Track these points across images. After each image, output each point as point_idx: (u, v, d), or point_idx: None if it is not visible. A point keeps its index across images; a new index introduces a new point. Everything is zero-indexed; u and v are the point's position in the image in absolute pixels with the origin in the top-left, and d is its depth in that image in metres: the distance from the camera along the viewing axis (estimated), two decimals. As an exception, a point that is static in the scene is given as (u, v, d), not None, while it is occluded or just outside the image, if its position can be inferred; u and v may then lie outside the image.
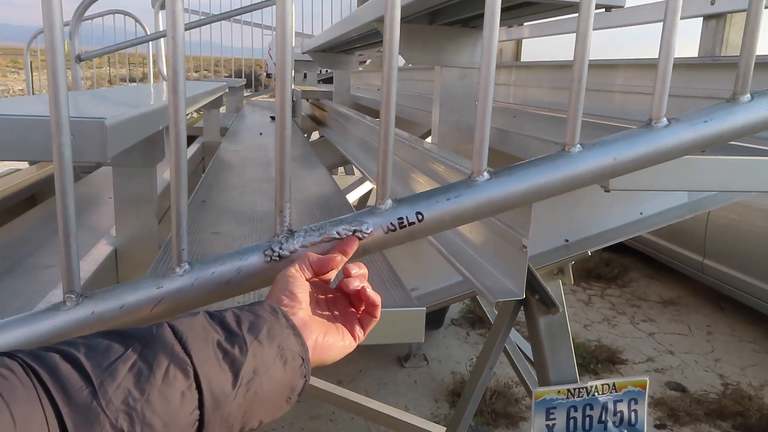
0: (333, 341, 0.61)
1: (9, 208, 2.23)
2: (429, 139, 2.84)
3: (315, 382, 2.43)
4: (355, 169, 4.37)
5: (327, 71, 6.32)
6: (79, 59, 3.44)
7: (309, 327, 0.59)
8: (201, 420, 0.48)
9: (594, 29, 0.83)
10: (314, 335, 0.59)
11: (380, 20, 1.35)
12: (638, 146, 0.82)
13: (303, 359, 0.56)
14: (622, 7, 0.93)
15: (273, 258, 0.70)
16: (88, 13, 3.52)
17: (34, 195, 2.45)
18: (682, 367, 3.70)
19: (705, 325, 4.31)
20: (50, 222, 2.03)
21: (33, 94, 6.38)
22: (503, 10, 0.80)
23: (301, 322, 0.59)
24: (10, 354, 0.45)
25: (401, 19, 0.76)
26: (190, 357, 0.48)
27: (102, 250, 1.19)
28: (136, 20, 5.18)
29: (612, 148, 0.81)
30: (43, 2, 0.61)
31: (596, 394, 1.56)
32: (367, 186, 3.37)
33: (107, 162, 0.78)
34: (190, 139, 3.05)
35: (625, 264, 5.39)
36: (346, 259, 0.68)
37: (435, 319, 3.90)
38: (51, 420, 0.41)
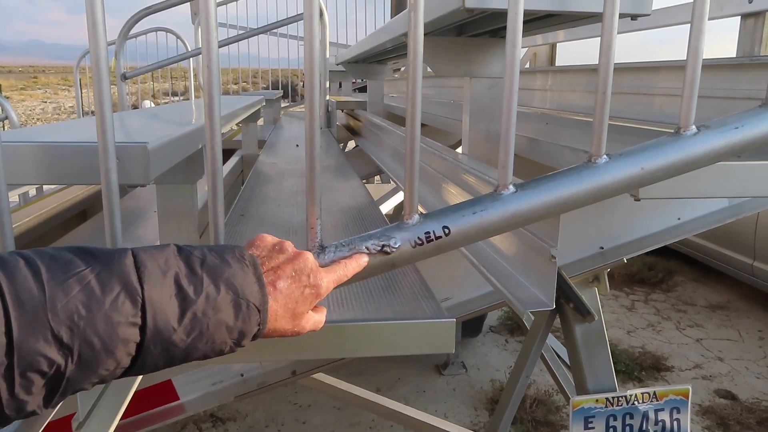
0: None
1: (62, 222, 2.34)
2: (460, 149, 2.84)
3: (354, 389, 2.46)
4: (389, 178, 4.39)
5: (362, 80, 6.38)
6: (124, 77, 3.59)
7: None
8: (141, 344, 0.51)
9: (622, 33, 0.83)
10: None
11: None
12: (666, 155, 0.82)
13: (260, 310, 0.57)
14: (648, 15, 0.93)
15: (305, 273, 0.73)
16: (131, 31, 3.67)
17: (85, 210, 2.57)
18: (732, 374, 3.58)
19: (756, 330, 4.17)
20: (100, 236, 2.13)
21: (83, 110, 6.66)
22: (526, 22, 0.81)
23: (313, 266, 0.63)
24: None
25: (429, 33, 0.78)
26: (142, 287, 0.51)
27: (147, 265, 1.25)
28: (178, 37, 5.36)
29: (639, 158, 0.81)
30: (91, 46, 0.66)
31: (636, 402, 1.54)
32: (402, 195, 3.39)
33: (149, 183, 0.82)
34: (230, 153, 3.14)
35: (670, 268, 5.25)
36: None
37: (473, 326, 3.88)
38: None
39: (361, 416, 3.06)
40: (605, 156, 0.81)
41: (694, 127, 0.83)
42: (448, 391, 3.39)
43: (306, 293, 0.62)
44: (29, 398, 0.46)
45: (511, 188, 0.79)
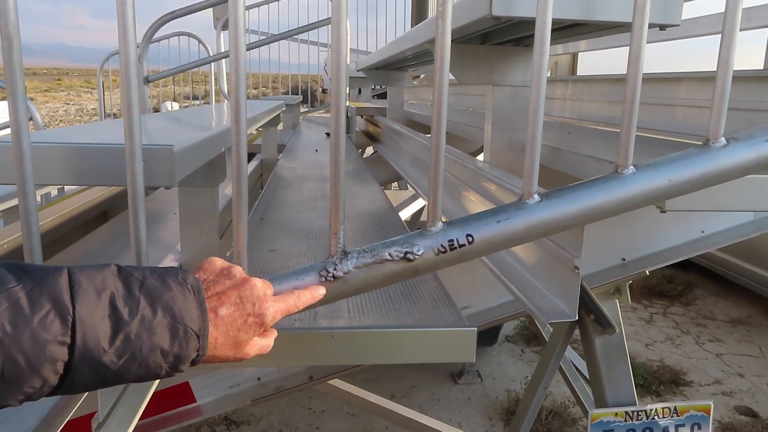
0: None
1: (83, 223, 2.37)
2: (481, 156, 2.82)
3: (369, 396, 2.45)
4: (408, 185, 4.41)
5: (381, 86, 6.40)
6: (146, 81, 3.63)
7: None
8: (69, 364, 0.50)
9: (650, 42, 0.82)
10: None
11: (433, 41, 1.38)
12: (694, 167, 0.80)
13: (199, 336, 0.56)
14: (677, 25, 0.92)
15: (327, 278, 0.73)
16: (155, 35, 3.71)
17: (106, 211, 2.60)
18: (753, 390, 3.51)
19: (778, 347, 4.09)
20: (120, 237, 2.15)
21: (105, 112, 6.76)
22: (554, 30, 0.81)
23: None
24: None
25: (453, 40, 0.78)
26: (73, 306, 0.50)
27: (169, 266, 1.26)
28: (200, 41, 5.42)
29: (666, 169, 0.80)
30: (121, 50, 0.67)
31: (656, 417, 1.51)
32: (420, 202, 3.39)
33: (175, 185, 0.83)
34: (249, 156, 3.16)
35: (690, 281, 5.17)
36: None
37: (489, 335, 3.85)
38: None
39: (375, 423, 3.04)
40: (632, 167, 0.80)
41: (723, 139, 0.82)
42: (463, 400, 3.37)
43: (249, 322, 0.61)
44: None
45: (536, 197, 0.78)
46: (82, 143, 0.80)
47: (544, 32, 0.74)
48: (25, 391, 0.49)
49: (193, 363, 0.58)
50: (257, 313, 0.61)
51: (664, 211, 0.92)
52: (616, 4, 0.92)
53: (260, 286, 0.63)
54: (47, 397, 0.52)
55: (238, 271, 0.64)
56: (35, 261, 0.76)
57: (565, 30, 1.10)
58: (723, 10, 0.79)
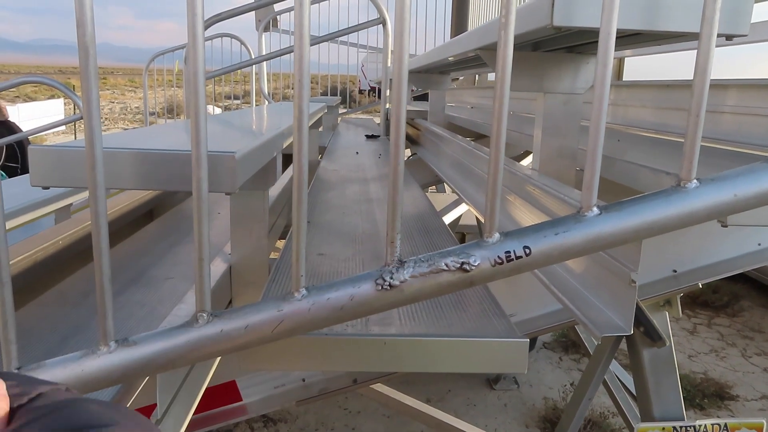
0: None
1: (130, 222, 2.43)
2: (525, 162, 2.79)
3: (405, 399, 2.46)
4: (446, 188, 4.39)
5: (418, 88, 6.39)
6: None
7: None
8: None
9: (692, 49, 0.80)
10: None
11: (484, 48, 1.37)
12: (762, 182, 0.78)
13: None
14: (746, 35, 0.89)
15: (384, 287, 0.74)
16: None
17: (152, 210, 2.67)
18: (803, 408, 3.39)
19: (830, 363, 3.93)
20: (166, 236, 2.20)
21: (148, 112, 6.94)
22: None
23: None
24: None
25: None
26: None
27: (219, 267, 1.29)
28: (242, 43, 5.52)
29: (732, 184, 0.78)
30: (190, 66, 0.69)
31: (705, 434, 1.47)
32: (462, 207, 3.37)
33: (236, 191, 0.85)
34: (291, 158, 3.20)
35: (736, 291, 5.01)
36: None
37: (526, 341, 3.81)
38: None
39: (410, 426, 3.05)
40: (695, 180, 0.78)
41: (792, 152, 0.79)
42: (500, 407, 3.34)
43: None
44: None
45: (595, 210, 0.77)
46: (151, 149, 0.83)
47: (608, 43, 0.73)
48: None
49: None
50: None
51: (726, 226, 0.89)
52: (680, 14, 0.90)
53: None
54: None
55: None
56: (103, 262, 0.78)
57: (624, 39, 1.08)
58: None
